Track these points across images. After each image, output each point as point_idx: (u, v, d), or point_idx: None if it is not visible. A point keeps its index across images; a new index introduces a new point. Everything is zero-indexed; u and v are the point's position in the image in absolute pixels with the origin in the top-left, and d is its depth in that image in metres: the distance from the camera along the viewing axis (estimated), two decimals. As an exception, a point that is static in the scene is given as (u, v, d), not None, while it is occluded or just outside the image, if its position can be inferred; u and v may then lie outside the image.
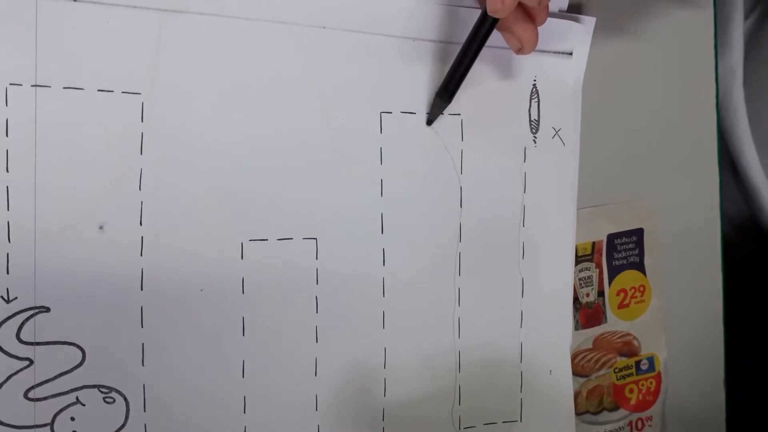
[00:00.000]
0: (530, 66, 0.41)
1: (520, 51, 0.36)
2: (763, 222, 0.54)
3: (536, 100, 0.41)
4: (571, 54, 0.41)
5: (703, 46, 0.47)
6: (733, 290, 0.49)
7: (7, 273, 0.31)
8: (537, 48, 0.41)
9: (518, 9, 0.34)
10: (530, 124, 0.41)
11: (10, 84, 0.31)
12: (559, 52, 0.41)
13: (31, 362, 0.32)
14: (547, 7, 0.36)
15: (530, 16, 0.35)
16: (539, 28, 0.36)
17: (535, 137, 0.41)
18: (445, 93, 0.37)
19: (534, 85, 0.41)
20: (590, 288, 0.43)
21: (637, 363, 0.45)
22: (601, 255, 0.44)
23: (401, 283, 0.38)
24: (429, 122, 0.38)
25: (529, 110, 0.41)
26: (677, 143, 0.46)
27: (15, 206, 0.31)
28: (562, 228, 0.42)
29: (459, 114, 0.39)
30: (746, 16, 0.58)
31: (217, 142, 0.35)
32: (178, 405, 0.34)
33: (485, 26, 0.35)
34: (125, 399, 0.33)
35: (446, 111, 0.39)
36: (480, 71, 0.39)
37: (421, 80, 0.38)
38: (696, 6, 0.46)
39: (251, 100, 0.35)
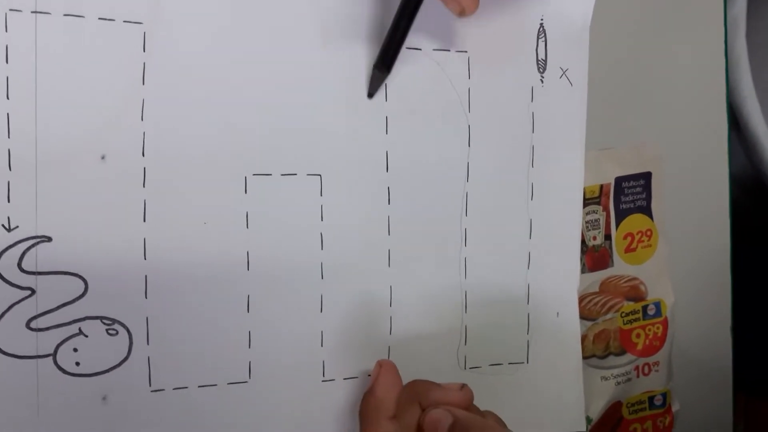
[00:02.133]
0: (537, 4, 0.40)
1: (461, 14, 0.33)
2: (765, 175, 0.54)
3: (543, 39, 0.40)
4: (579, -8, 0.41)
5: (713, -9, 0.47)
6: (741, 239, 0.49)
7: (8, 201, 0.31)
8: (545, -14, 0.40)
9: None
10: (537, 64, 0.40)
11: (10, 10, 0.31)
12: (567, -9, 0.41)
13: (33, 292, 0.31)
14: None
15: None
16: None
17: (543, 77, 0.40)
18: (383, 64, 0.35)
19: (541, 24, 0.40)
20: (597, 231, 0.43)
21: (644, 308, 0.45)
22: (608, 198, 0.43)
23: (407, 222, 0.38)
24: (370, 95, 0.36)
25: (536, 49, 0.40)
26: (686, 88, 0.46)
27: (16, 134, 0.31)
28: (571, 169, 0.41)
29: (466, 51, 0.38)
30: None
31: (220, 75, 0.34)
32: (182, 339, 0.34)
33: None
34: (128, 331, 0.33)
35: (453, 48, 0.38)
36: (486, 9, 0.39)
37: (427, 15, 0.37)
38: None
39: (255, 32, 0.34)
